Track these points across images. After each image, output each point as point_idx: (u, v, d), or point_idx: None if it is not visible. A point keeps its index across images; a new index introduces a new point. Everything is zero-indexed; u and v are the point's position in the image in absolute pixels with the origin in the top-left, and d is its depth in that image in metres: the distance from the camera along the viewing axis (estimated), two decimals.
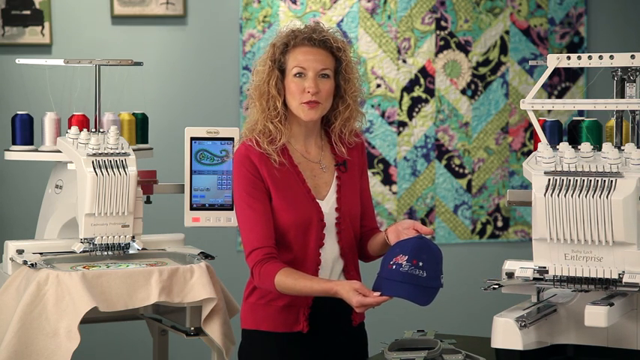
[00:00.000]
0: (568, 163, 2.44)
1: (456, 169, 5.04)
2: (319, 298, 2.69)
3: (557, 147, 2.51)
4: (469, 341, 2.70)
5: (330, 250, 2.75)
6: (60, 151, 3.24)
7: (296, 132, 2.78)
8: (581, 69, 4.96)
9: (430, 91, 5.00)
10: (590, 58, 2.52)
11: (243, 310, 2.82)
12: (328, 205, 2.76)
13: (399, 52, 4.97)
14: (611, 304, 2.33)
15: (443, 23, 4.99)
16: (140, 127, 3.50)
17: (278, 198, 2.71)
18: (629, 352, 2.48)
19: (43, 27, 4.73)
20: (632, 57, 2.48)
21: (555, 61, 2.56)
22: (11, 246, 3.19)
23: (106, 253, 3.16)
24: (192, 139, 3.22)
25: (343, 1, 4.93)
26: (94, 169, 3.09)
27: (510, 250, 5.02)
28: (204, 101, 4.89)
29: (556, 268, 2.45)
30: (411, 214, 5.01)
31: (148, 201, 3.31)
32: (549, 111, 4.56)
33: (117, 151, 3.15)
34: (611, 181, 2.38)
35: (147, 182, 3.29)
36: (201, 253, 3.23)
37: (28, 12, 4.72)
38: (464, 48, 5.00)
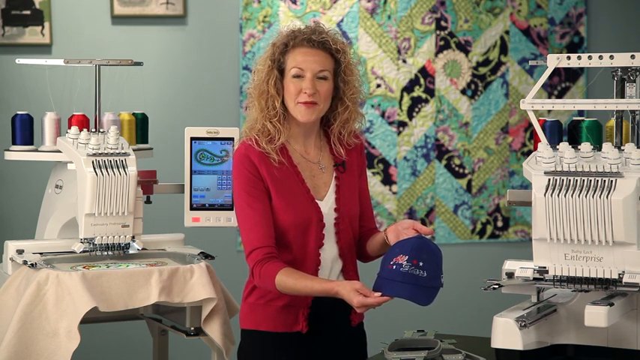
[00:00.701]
0: (568, 163, 2.44)
1: (456, 169, 5.04)
2: (318, 298, 2.69)
3: (557, 147, 2.51)
4: (469, 341, 2.70)
5: (329, 251, 2.75)
6: (60, 151, 3.24)
7: (295, 132, 2.78)
8: (581, 69, 4.96)
9: (430, 91, 5.00)
10: (590, 58, 2.52)
11: (242, 310, 2.82)
12: (327, 205, 2.76)
13: (399, 52, 4.97)
14: (611, 304, 2.33)
15: (443, 23, 4.99)
16: (140, 127, 3.50)
17: (277, 198, 2.71)
18: (629, 352, 2.48)
19: (43, 27, 4.73)
20: (632, 57, 2.48)
21: (555, 61, 2.56)
22: (11, 246, 3.19)
23: (106, 253, 3.16)
24: (192, 139, 3.22)
25: (343, 1, 4.93)
26: (94, 169, 3.09)
27: (510, 250, 5.02)
28: (204, 101, 4.89)
29: (556, 268, 2.45)
30: (411, 214, 5.01)
31: (148, 201, 3.31)
32: (549, 111, 4.56)
33: (117, 151, 3.15)
34: (611, 181, 2.38)
35: (147, 182, 3.29)
36: (201, 253, 3.23)
37: (28, 12, 4.72)
38: (464, 48, 5.00)
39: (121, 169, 3.12)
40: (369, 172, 4.89)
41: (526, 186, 4.85)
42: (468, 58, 5.01)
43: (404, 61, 4.97)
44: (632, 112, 2.53)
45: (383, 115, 4.98)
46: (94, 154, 3.11)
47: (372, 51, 4.96)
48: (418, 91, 5.00)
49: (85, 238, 3.13)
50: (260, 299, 2.76)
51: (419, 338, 2.64)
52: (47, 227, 3.33)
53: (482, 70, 5.02)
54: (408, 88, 4.99)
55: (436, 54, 4.99)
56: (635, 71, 2.52)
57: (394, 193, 5.01)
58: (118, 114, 3.44)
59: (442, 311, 4.30)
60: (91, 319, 3.04)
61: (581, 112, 4.66)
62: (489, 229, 5.06)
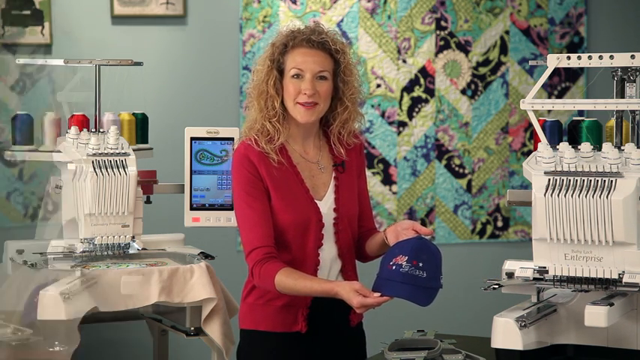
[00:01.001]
0: (568, 163, 2.44)
1: (456, 169, 5.04)
2: (318, 299, 2.69)
3: (557, 147, 2.51)
4: (469, 341, 2.70)
5: (328, 251, 2.75)
6: (60, 151, 3.24)
7: (294, 132, 2.78)
8: (581, 69, 4.96)
9: (430, 91, 5.00)
10: (590, 58, 2.52)
11: (241, 311, 2.82)
12: (326, 205, 2.76)
13: (399, 52, 4.97)
14: (611, 304, 2.33)
15: (443, 23, 4.99)
16: (140, 127, 3.51)
17: (277, 198, 2.71)
18: (629, 352, 2.48)
19: (43, 27, 4.73)
20: (632, 57, 2.49)
21: (555, 61, 2.56)
22: (11, 246, 3.19)
23: (106, 253, 3.16)
24: (192, 139, 3.22)
25: (343, 1, 4.93)
26: (94, 169, 3.10)
27: (510, 250, 5.02)
28: (204, 101, 4.89)
29: (556, 268, 2.45)
30: (411, 215, 5.01)
31: (148, 201, 3.31)
32: (549, 111, 4.56)
33: (117, 151, 3.15)
34: (611, 181, 2.38)
35: (147, 182, 3.29)
36: (201, 253, 3.23)
37: (28, 12, 4.72)
38: (464, 48, 5.00)
39: (121, 169, 3.12)
40: (369, 172, 4.89)
41: (526, 186, 4.85)
42: (468, 58, 5.01)
43: (404, 61, 4.97)
44: (632, 112, 2.53)
45: (383, 115, 4.98)
46: (94, 154, 3.12)
47: (372, 51, 4.95)
48: (418, 91, 5.00)
49: (85, 238, 3.13)
50: (259, 299, 2.76)
51: (419, 338, 2.64)
52: (47, 227, 3.33)
53: (482, 70, 5.02)
54: (408, 88, 4.99)
55: (436, 54, 4.99)
56: (635, 71, 2.53)
57: (394, 193, 5.01)
58: (118, 114, 3.44)
59: (442, 311, 4.29)
60: (91, 319, 3.04)
61: (581, 112, 4.66)
62: (489, 229, 5.06)
